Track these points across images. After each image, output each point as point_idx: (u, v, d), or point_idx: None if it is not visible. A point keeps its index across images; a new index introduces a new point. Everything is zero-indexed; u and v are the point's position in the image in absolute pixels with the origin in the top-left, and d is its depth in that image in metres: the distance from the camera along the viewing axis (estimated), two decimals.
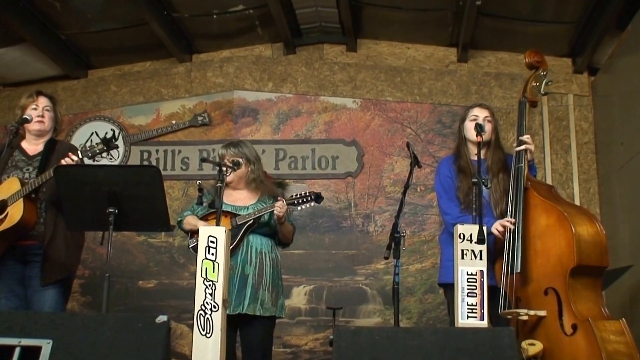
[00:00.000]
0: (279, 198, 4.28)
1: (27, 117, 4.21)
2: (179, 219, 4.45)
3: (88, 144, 6.24)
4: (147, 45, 6.55)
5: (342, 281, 6.16)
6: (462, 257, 3.53)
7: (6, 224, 3.93)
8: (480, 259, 3.52)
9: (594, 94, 6.26)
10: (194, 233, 4.28)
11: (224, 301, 3.39)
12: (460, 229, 3.56)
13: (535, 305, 3.61)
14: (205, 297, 3.34)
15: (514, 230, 3.73)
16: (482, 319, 3.45)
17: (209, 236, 3.42)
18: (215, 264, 3.37)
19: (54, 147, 4.25)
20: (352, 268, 6.18)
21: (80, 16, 6.03)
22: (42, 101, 4.28)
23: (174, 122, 6.63)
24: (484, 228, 3.53)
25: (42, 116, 4.25)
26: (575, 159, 6.19)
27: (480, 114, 4.14)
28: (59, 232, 4.07)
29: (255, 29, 6.47)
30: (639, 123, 5.20)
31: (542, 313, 3.57)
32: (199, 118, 6.58)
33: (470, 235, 3.53)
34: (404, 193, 3.86)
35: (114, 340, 2.83)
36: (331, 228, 6.29)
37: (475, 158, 3.94)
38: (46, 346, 2.79)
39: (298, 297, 6.15)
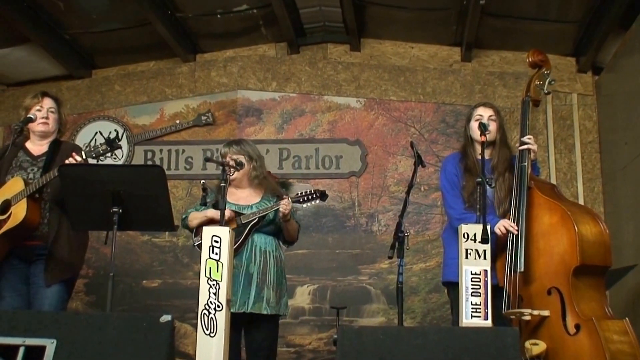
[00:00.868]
0: (284, 196, 4.28)
1: (32, 117, 4.21)
2: (183, 216, 4.45)
3: (92, 144, 6.24)
4: (151, 45, 6.55)
5: (346, 281, 6.16)
6: (467, 257, 3.53)
7: (10, 224, 3.93)
8: (485, 258, 3.52)
9: (598, 93, 6.26)
10: (200, 230, 4.29)
11: (228, 301, 3.39)
12: (465, 228, 3.56)
13: (538, 305, 3.61)
14: (209, 296, 3.34)
15: (520, 230, 3.72)
16: (486, 318, 3.45)
17: (213, 235, 3.42)
18: (219, 264, 3.37)
19: (59, 147, 4.26)
20: (356, 267, 6.18)
21: (85, 16, 6.04)
22: (47, 102, 4.29)
23: (177, 121, 6.63)
24: (487, 227, 3.53)
25: (47, 118, 4.25)
26: (579, 158, 6.19)
27: (484, 113, 4.13)
28: (63, 232, 4.08)
29: (259, 29, 6.47)
30: None
31: (546, 313, 3.57)
32: (203, 118, 6.58)
33: (475, 234, 3.52)
34: (407, 192, 3.86)
35: (118, 339, 2.84)
36: (335, 228, 6.29)
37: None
38: (50, 346, 2.80)
39: (302, 297, 6.15)
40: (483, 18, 5.81)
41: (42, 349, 2.79)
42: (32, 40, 6.22)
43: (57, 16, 6.03)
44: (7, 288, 4.08)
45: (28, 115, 4.22)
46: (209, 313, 3.32)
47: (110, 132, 6.49)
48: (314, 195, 4.32)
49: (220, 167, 3.98)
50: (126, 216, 3.67)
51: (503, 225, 3.78)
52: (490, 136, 4.02)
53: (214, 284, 3.35)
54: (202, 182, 4.38)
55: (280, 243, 4.44)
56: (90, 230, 4.39)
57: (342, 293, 6.12)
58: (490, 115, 4.12)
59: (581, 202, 5.93)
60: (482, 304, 3.46)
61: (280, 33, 6.49)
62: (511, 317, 3.68)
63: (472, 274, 3.50)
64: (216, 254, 3.39)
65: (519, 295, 3.69)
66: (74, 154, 3.95)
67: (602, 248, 3.58)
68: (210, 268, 3.38)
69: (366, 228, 6.27)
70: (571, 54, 6.31)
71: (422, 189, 6.20)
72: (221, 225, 3.57)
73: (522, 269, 3.66)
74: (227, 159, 4.26)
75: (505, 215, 3.88)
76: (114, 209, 3.63)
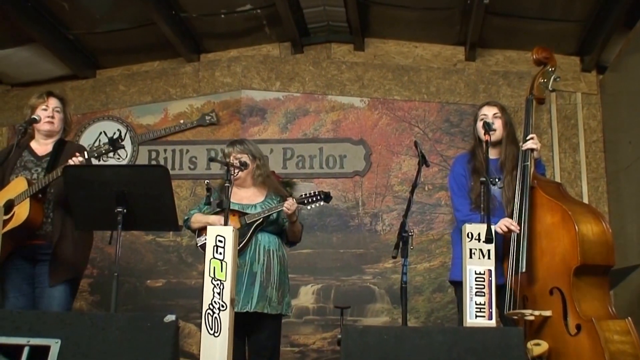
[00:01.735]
0: (287, 198, 4.29)
1: (36, 118, 4.22)
2: (185, 217, 4.46)
3: (95, 144, 6.25)
4: (155, 45, 6.56)
5: (350, 280, 6.16)
6: (471, 256, 3.52)
7: (12, 224, 3.94)
8: (489, 258, 3.51)
9: (602, 92, 6.24)
10: (202, 230, 4.29)
11: (232, 300, 3.40)
12: (469, 228, 3.55)
13: (541, 305, 3.60)
14: (214, 296, 3.34)
15: (522, 231, 3.71)
16: (490, 318, 3.44)
17: (217, 235, 3.42)
18: (224, 263, 3.37)
19: (63, 147, 4.26)
20: (360, 267, 6.18)
21: (89, 16, 6.05)
22: (53, 102, 4.30)
23: (182, 121, 6.64)
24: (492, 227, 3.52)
25: (52, 117, 4.27)
26: (584, 158, 6.17)
27: (488, 112, 4.12)
28: (67, 232, 4.09)
29: (262, 29, 6.47)
30: None
31: (547, 313, 3.56)
32: (207, 117, 6.59)
33: (479, 234, 3.52)
34: (411, 192, 3.84)
35: (123, 339, 2.84)
36: (339, 227, 6.29)
37: (491, 157, 3.93)
38: (55, 345, 2.80)
39: (306, 296, 6.15)
40: (487, 17, 5.81)
41: (46, 348, 2.79)
42: (36, 40, 6.23)
43: (62, 16, 6.04)
44: (12, 288, 4.10)
45: (32, 116, 4.23)
46: (213, 313, 3.33)
47: (114, 133, 6.50)
48: (319, 197, 4.33)
49: (224, 167, 3.99)
50: (130, 216, 3.68)
51: (504, 224, 3.76)
52: (496, 134, 4.01)
53: (218, 284, 3.36)
54: (206, 181, 4.38)
55: (283, 243, 4.45)
56: (95, 230, 4.40)
57: (346, 293, 6.11)
58: (495, 113, 4.10)
59: (585, 201, 5.90)
60: (487, 303, 3.46)
61: (284, 33, 6.49)
62: (514, 317, 3.67)
63: (476, 273, 3.50)
64: (220, 253, 3.39)
65: (524, 295, 3.69)
66: (76, 153, 3.96)
67: (605, 247, 3.55)
68: (214, 268, 3.38)
69: (370, 228, 6.26)
70: (575, 53, 6.30)
71: (426, 188, 6.19)
72: (225, 224, 3.57)
73: (524, 270, 3.65)
74: (231, 158, 4.27)
75: (512, 214, 3.86)
76: (119, 209, 3.64)
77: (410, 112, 6.41)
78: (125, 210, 3.65)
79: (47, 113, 4.26)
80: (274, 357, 4.29)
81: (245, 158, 4.34)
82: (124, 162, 6.48)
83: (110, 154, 4.05)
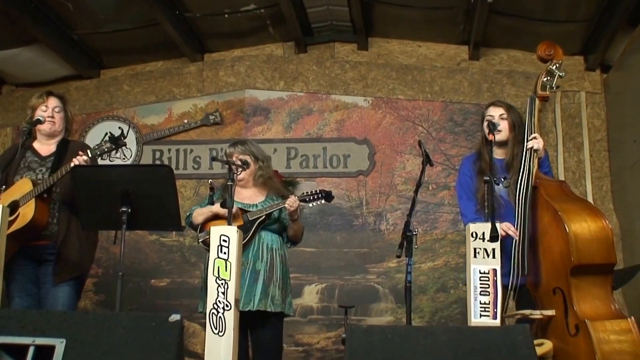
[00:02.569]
0: (289, 196, 4.29)
1: (40, 119, 4.23)
2: (187, 214, 4.45)
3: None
4: (159, 45, 6.56)
5: (354, 279, 6.16)
6: (475, 256, 3.51)
7: (18, 224, 3.95)
8: (493, 257, 3.50)
9: (606, 92, 6.23)
10: (204, 226, 4.30)
11: (237, 300, 3.40)
12: (472, 227, 3.54)
13: (547, 305, 3.59)
14: (218, 295, 3.34)
15: (521, 232, 3.70)
16: (494, 317, 3.43)
17: (221, 235, 3.43)
18: (228, 263, 3.38)
19: (67, 147, 4.28)
20: (364, 266, 6.18)
21: (93, 16, 6.06)
22: (52, 102, 4.31)
23: (185, 121, 6.65)
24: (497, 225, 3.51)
25: (52, 117, 4.28)
26: (588, 157, 6.15)
27: (495, 112, 4.10)
28: (73, 232, 4.10)
29: (266, 28, 6.48)
30: None
31: (549, 313, 3.54)
32: (211, 117, 6.59)
33: (483, 233, 3.51)
34: (415, 191, 3.84)
35: (127, 339, 2.84)
36: (343, 226, 6.29)
37: (498, 157, 3.92)
38: (60, 345, 2.80)
39: (310, 296, 6.15)
40: (491, 17, 5.80)
41: (51, 348, 2.79)
42: (40, 40, 6.24)
43: (66, 17, 6.05)
44: (17, 289, 4.11)
45: (36, 117, 4.24)
46: (218, 312, 3.33)
47: (118, 132, 6.50)
48: (320, 195, 4.34)
49: (227, 167, 3.99)
50: (135, 216, 3.69)
51: (502, 229, 3.71)
52: (502, 135, 3.99)
53: (222, 283, 3.36)
54: (209, 181, 4.39)
55: (284, 242, 4.46)
56: (100, 230, 4.41)
57: (350, 292, 6.12)
58: (501, 114, 4.08)
59: (590, 200, 5.88)
60: (491, 303, 3.45)
61: (287, 32, 6.49)
62: (517, 317, 3.67)
63: (480, 273, 3.49)
64: (224, 253, 3.39)
65: (534, 296, 3.68)
66: (80, 152, 3.97)
67: (603, 245, 3.45)
68: (218, 267, 3.38)
69: (374, 227, 6.26)
70: (579, 53, 6.28)
71: (430, 187, 6.19)
72: (229, 224, 3.58)
73: (527, 272, 3.64)
74: (234, 158, 4.27)
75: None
76: (123, 209, 3.64)
77: (414, 111, 6.41)
78: (129, 210, 3.65)
79: (47, 113, 4.27)
80: (276, 356, 4.29)
81: (247, 158, 4.34)
82: (129, 162, 6.50)
83: (114, 153, 4.05)
